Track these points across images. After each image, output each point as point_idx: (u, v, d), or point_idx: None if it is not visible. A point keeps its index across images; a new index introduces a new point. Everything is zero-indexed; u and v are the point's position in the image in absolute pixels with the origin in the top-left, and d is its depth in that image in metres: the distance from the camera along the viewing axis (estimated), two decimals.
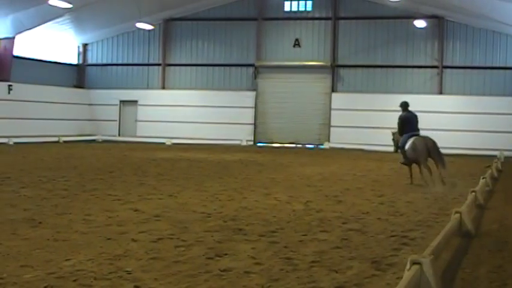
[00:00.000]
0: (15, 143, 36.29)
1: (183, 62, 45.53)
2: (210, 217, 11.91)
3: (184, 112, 43.45)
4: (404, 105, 19.88)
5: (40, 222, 10.81)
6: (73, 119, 43.98)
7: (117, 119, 46.25)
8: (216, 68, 44.68)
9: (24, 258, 8.11)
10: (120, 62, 46.71)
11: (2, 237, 9.41)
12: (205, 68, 44.92)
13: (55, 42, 44.17)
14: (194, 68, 45.20)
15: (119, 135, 45.77)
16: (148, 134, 44.02)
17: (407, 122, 19.58)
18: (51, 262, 7.96)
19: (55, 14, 37.72)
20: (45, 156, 27.47)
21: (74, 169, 21.43)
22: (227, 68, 44.45)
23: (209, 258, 8.49)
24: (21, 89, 39.10)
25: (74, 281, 7.18)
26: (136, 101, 45.56)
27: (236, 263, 8.28)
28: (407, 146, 19.08)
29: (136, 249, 8.86)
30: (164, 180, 18.40)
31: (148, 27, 43.97)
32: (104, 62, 47.18)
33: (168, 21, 45.38)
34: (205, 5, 43.94)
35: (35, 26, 38.44)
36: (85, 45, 47.27)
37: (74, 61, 47.17)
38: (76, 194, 14.88)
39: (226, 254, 8.74)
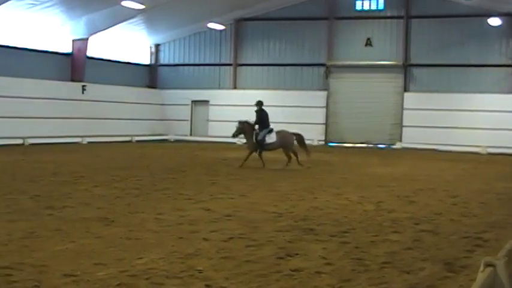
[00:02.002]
0: (88, 142, 36.94)
1: (254, 62, 45.55)
2: (281, 217, 11.88)
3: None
4: (261, 104, 23.95)
5: (113, 221, 10.96)
6: (145, 119, 44.44)
7: (189, 118, 46.61)
8: (287, 67, 44.53)
9: (98, 256, 8.22)
10: (191, 62, 47.03)
11: (76, 235, 9.57)
12: (277, 67, 44.81)
13: (128, 42, 44.79)
14: (265, 67, 45.17)
15: (191, 135, 46.10)
16: (219, 134, 44.20)
17: (267, 119, 23.52)
18: (123, 260, 8.04)
19: (128, 15, 38.23)
20: (118, 155, 27.88)
21: (146, 168, 21.68)
22: (298, 67, 44.27)
23: (280, 258, 8.46)
24: (94, 89, 39.70)
25: (146, 279, 7.24)
26: (207, 101, 45.82)
27: (307, 263, 8.23)
28: (272, 138, 23.08)
29: (208, 248, 8.89)
30: (235, 180, 18.45)
31: (220, 27, 44.16)
32: (176, 62, 47.57)
33: (239, 21, 45.48)
34: (276, 5, 43.85)
35: (108, 27, 39.05)
36: (157, 46, 47.76)
37: (147, 61, 47.71)
38: (148, 193, 15.04)
39: (297, 254, 8.70)
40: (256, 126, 23.53)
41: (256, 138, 23.21)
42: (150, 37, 45.95)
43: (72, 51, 39.44)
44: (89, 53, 40.00)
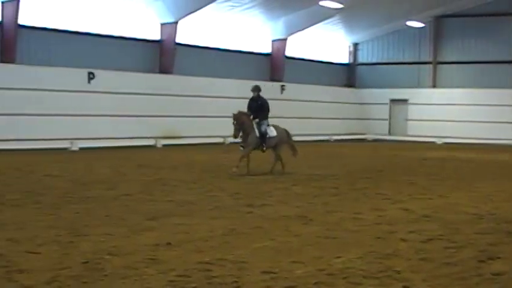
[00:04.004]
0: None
1: (454, 59, 44.35)
2: (482, 219, 11.47)
3: (455, 111, 42.34)
4: (259, 89, 19.83)
5: (311, 219, 11.04)
6: (343, 118, 44.55)
7: (387, 118, 46.17)
8: (489, 65, 42.92)
9: (296, 254, 8.30)
10: (390, 60, 46.54)
11: (276, 233, 9.73)
12: (477, 65, 43.32)
13: (326, 42, 45.10)
14: (465, 65, 43.82)
15: (389, 134, 45.65)
16: (418, 133, 43.45)
17: (267, 108, 19.52)
18: (321, 259, 8.07)
19: (326, 14, 38.50)
20: (315, 154, 28.10)
21: (344, 167, 21.71)
22: (500, 64, 42.55)
23: (480, 261, 8.16)
24: (293, 89, 40.31)
25: (344, 278, 7.22)
26: (406, 100, 45.16)
27: (509, 266, 7.88)
28: (273, 132, 19.29)
29: (406, 249, 8.74)
30: (434, 180, 18.04)
31: (419, 25, 43.39)
32: (374, 61, 47.28)
33: (439, 18, 44.40)
34: (476, 1, 42.38)
35: (306, 27, 39.54)
36: (355, 45, 47.70)
37: (345, 61, 47.81)
38: (346, 192, 15.05)
39: (498, 258, 8.36)
40: (255, 120, 19.14)
41: (259, 131, 18.87)
42: (348, 36, 45.96)
43: (272, 51, 40.31)
44: (288, 53, 40.69)
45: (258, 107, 19.11)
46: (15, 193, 13.66)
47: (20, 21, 28.41)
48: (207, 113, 34.28)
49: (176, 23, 33.83)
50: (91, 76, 29.97)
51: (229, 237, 9.36)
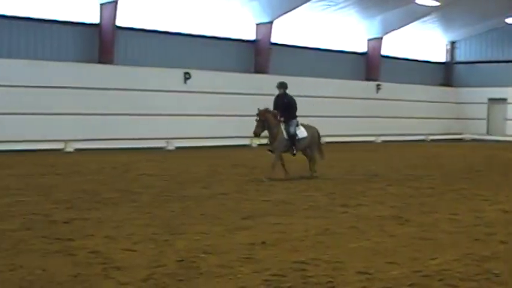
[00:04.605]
0: (383, 141, 37.23)
1: None
2: None
3: None
4: (285, 86, 17.62)
5: (406, 220, 10.92)
6: (440, 118, 43.80)
7: (485, 117, 45.14)
8: None
9: (391, 255, 8.23)
10: (488, 59, 45.48)
11: (370, 233, 9.67)
12: None
13: (422, 40, 44.45)
14: None
15: (487, 134, 44.62)
16: None
17: (295, 107, 17.46)
18: (417, 260, 7.98)
19: (422, 12, 37.98)
20: (412, 154, 27.77)
21: (440, 168, 21.36)
22: None
23: None
24: (388, 88, 39.90)
25: (440, 280, 7.12)
26: (505, 99, 44.02)
27: None
28: (303, 133, 17.41)
29: (505, 252, 8.55)
30: None
31: None
32: (472, 59, 46.28)
33: None
34: None
35: (402, 26, 39.10)
36: (453, 43, 46.83)
37: (442, 59, 46.98)
38: (442, 192, 14.80)
39: None
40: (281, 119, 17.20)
41: (288, 132, 17.01)
42: (445, 34, 45.18)
43: (367, 50, 40.03)
44: (383, 52, 40.32)
45: (285, 106, 17.18)
46: (112, 192, 13.99)
47: (118, 23, 29.13)
48: (301, 113, 34.13)
49: (271, 22, 34.00)
50: (187, 76, 30.46)
51: (324, 237, 9.35)
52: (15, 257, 7.82)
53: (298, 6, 33.22)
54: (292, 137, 16.96)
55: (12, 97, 25.55)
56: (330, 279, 7.04)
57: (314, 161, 17.72)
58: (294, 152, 17.22)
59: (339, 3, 35.01)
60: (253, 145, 29.91)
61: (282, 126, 16.94)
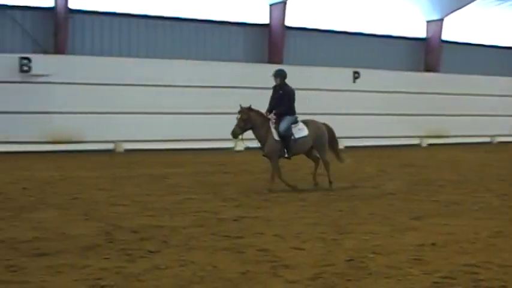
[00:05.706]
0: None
1: None
2: None
3: None
4: (283, 76, 14.43)
5: None
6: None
7: None
8: None
9: None
10: None
11: None
12: None
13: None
14: None
15: None
16: None
17: (293, 99, 14.42)
18: None
19: None
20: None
21: None
22: None
23: None
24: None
25: None
26: None
27: None
28: (302, 131, 14.35)
29: None
30: None
31: None
32: None
33: None
34: None
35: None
36: None
37: None
38: None
39: None
40: (271, 115, 14.24)
41: (278, 132, 14.05)
42: None
43: None
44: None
45: (279, 98, 14.27)
46: (279, 191, 13.93)
47: (287, 23, 29.50)
48: (474, 112, 33.06)
49: (442, 20, 33.17)
50: (356, 75, 30.33)
51: (495, 240, 9.06)
52: (186, 253, 8.10)
53: (469, 3, 32.18)
54: (285, 137, 14.11)
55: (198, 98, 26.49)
56: (503, 284, 6.82)
57: (327, 167, 14.69)
58: (285, 155, 14.21)
59: None
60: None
61: (272, 126, 14.16)
